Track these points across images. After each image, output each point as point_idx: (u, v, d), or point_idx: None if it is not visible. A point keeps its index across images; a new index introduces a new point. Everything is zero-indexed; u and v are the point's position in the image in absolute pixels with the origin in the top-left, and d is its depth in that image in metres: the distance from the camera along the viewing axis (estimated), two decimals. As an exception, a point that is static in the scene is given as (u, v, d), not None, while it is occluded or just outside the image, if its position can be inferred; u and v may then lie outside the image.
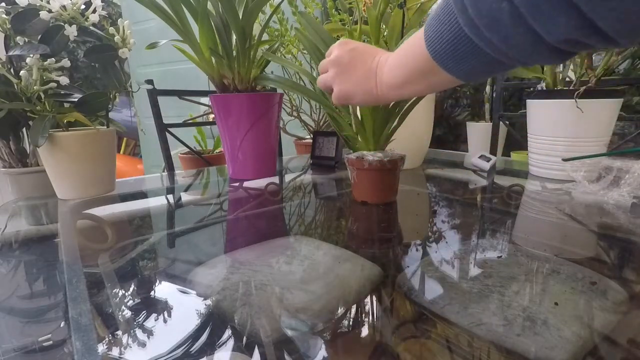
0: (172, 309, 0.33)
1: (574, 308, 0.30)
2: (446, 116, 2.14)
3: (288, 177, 0.86)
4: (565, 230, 0.50)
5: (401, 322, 0.30)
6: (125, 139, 3.05)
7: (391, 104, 0.58)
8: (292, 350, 0.27)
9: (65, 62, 0.62)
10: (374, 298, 0.34)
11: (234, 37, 0.72)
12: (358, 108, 0.58)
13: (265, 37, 0.79)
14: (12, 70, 0.62)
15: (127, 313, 0.32)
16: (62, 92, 0.64)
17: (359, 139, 0.61)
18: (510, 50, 0.25)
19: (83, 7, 0.62)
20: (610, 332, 0.28)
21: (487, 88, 1.77)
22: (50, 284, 0.39)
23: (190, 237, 0.52)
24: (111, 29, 0.64)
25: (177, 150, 1.25)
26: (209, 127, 1.50)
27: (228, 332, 0.29)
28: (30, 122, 0.62)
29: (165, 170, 1.10)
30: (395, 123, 0.60)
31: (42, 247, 0.50)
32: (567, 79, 0.73)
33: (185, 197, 0.73)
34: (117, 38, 0.64)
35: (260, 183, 0.78)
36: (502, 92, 1.33)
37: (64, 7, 0.60)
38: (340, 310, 0.32)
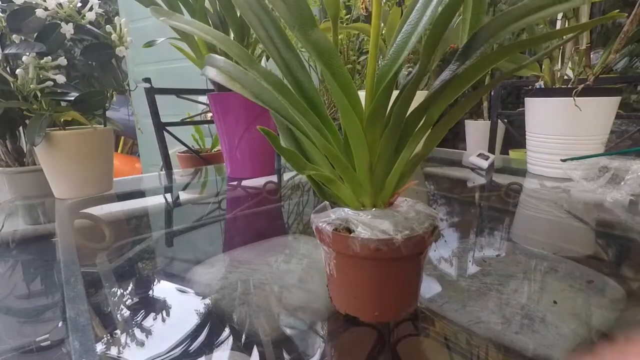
0: (170, 308, 0.33)
1: (572, 306, 0.30)
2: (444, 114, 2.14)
3: (286, 176, 0.86)
4: (563, 228, 0.50)
5: (400, 320, 0.30)
6: (122, 137, 3.04)
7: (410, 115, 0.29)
8: (291, 350, 0.27)
9: (62, 61, 0.62)
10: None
11: (232, 34, 0.72)
12: (342, 121, 0.28)
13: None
14: (8, 68, 0.61)
15: (125, 312, 0.32)
16: (58, 91, 0.64)
17: (343, 180, 0.29)
18: None
19: (79, 5, 0.62)
20: (608, 330, 0.28)
21: (485, 86, 1.77)
22: (48, 283, 0.39)
23: (188, 236, 0.51)
24: (108, 27, 0.64)
25: (175, 149, 1.25)
26: (207, 125, 1.50)
27: (227, 332, 0.29)
28: (27, 121, 0.62)
29: (163, 169, 1.10)
30: (418, 150, 0.30)
31: (39, 246, 0.50)
32: (565, 77, 0.73)
33: (183, 196, 0.73)
34: (114, 36, 0.64)
35: (258, 182, 0.78)
36: (501, 90, 1.33)
37: (60, 5, 0.59)
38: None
